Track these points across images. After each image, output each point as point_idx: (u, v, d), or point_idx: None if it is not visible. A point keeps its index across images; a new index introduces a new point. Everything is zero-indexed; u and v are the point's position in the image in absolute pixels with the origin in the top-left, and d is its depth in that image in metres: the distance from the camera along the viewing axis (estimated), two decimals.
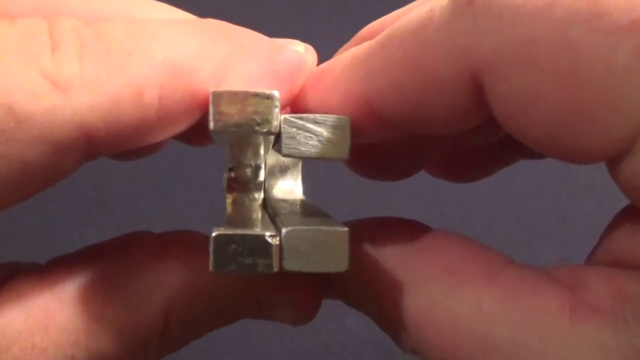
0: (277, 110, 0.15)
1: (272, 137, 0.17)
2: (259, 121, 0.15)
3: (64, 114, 0.13)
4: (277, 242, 0.14)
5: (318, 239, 0.15)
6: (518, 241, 0.48)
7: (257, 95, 0.15)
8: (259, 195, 0.19)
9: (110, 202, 0.48)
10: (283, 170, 0.21)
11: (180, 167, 0.49)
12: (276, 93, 0.15)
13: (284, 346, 0.46)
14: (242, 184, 0.19)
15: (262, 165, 0.19)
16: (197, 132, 0.18)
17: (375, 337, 0.46)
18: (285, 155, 0.16)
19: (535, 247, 0.48)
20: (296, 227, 0.15)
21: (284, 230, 0.15)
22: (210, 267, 0.14)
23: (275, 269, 0.14)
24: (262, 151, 0.18)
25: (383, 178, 0.21)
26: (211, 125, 0.15)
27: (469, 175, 0.22)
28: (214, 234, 0.14)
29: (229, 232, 0.14)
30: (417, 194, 0.47)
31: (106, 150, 0.15)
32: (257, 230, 0.15)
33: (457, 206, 0.47)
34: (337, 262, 0.15)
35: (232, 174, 0.18)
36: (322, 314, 0.53)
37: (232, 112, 0.15)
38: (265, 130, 0.15)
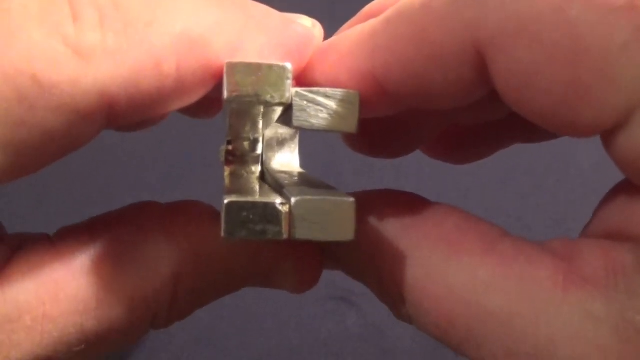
0: (289, 81, 0.15)
1: (273, 112, 0.17)
2: (272, 92, 0.15)
3: (86, 83, 0.14)
4: (287, 210, 0.15)
5: (326, 209, 0.15)
6: None
7: (270, 66, 0.15)
8: (257, 168, 0.19)
9: (114, 191, 0.48)
10: (280, 142, 0.21)
11: (179, 141, 0.49)
12: (289, 65, 0.15)
13: (284, 345, 0.46)
14: (240, 157, 0.19)
15: (260, 139, 0.19)
16: (202, 105, 0.18)
17: (375, 337, 0.46)
18: (295, 128, 0.16)
19: None
20: (305, 197, 0.15)
21: (293, 200, 0.15)
22: (222, 233, 0.15)
23: (285, 235, 0.15)
24: (260, 125, 0.19)
25: (380, 155, 0.22)
26: (225, 95, 0.15)
27: (464, 157, 0.23)
28: (226, 201, 0.15)
29: (241, 199, 0.15)
30: (417, 193, 0.47)
31: (124, 118, 0.15)
32: (268, 198, 0.15)
33: (457, 206, 0.47)
34: (344, 231, 0.15)
35: (230, 147, 0.19)
36: (322, 313, 0.53)
37: (246, 83, 0.15)
38: (277, 101, 0.15)
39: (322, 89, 0.16)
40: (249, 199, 0.15)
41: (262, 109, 0.16)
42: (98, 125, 0.14)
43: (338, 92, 0.16)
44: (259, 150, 0.19)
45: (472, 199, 0.48)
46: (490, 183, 0.49)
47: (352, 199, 0.15)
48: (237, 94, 0.15)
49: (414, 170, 0.47)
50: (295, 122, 0.16)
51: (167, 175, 0.49)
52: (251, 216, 0.15)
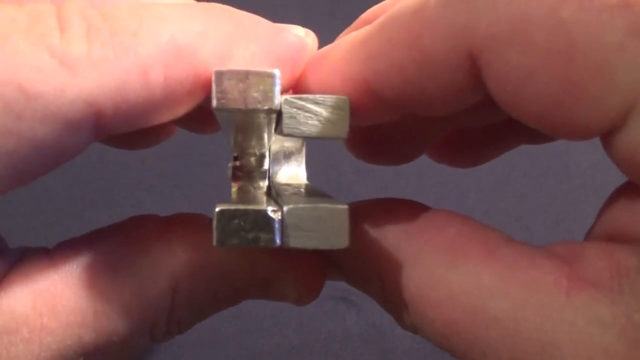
0: (278, 88, 0.15)
1: (274, 122, 0.17)
2: (260, 99, 0.15)
3: (72, 92, 0.14)
4: (280, 217, 0.15)
5: (319, 216, 0.15)
6: None
7: (258, 73, 0.15)
8: (264, 184, 0.19)
9: (114, 194, 0.48)
10: (287, 156, 0.21)
11: (185, 159, 0.49)
12: (277, 71, 0.15)
13: (284, 345, 0.46)
14: (247, 173, 0.19)
15: (267, 154, 0.19)
16: (203, 119, 0.18)
17: (375, 337, 0.46)
18: (286, 135, 0.16)
19: None
20: (297, 205, 0.15)
21: (285, 208, 0.15)
22: (214, 242, 0.15)
23: (278, 243, 0.15)
24: (265, 139, 0.19)
25: (384, 162, 0.22)
26: (214, 103, 0.15)
27: (469, 160, 0.23)
28: (217, 209, 0.15)
29: (232, 207, 0.15)
30: (417, 194, 0.47)
31: (114, 129, 0.15)
32: (260, 206, 0.15)
33: (457, 207, 0.47)
34: (338, 238, 0.15)
35: (237, 163, 0.19)
36: (322, 313, 0.53)
37: (234, 90, 0.15)
38: (266, 108, 0.15)
39: (311, 96, 0.16)
40: (240, 206, 0.15)
41: (265, 120, 0.16)
42: (86, 135, 0.14)
43: (327, 98, 0.16)
44: (266, 165, 0.19)
45: (472, 200, 0.48)
46: (491, 184, 0.49)
47: (345, 206, 0.15)
48: (225, 101, 0.15)
49: (414, 172, 0.47)
50: (285, 130, 0.16)
51: (169, 180, 0.49)
52: (242, 224, 0.15)
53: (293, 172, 0.21)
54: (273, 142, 0.20)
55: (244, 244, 0.15)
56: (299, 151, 0.21)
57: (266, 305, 0.46)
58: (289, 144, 0.21)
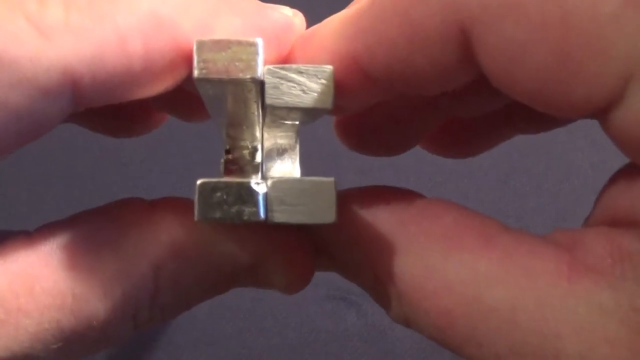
0: (261, 57, 0.15)
1: (262, 103, 0.16)
2: (242, 68, 0.15)
3: (48, 58, 0.14)
4: (264, 191, 0.14)
5: (304, 189, 0.15)
6: None
7: (240, 42, 0.15)
8: (257, 177, 0.19)
9: (114, 193, 0.48)
10: (280, 153, 0.21)
11: (184, 158, 0.49)
12: (260, 40, 0.15)
13: (284, 345, 0.46)
14: (240, 167, 0.18)
15: (259, 147, 0.18)
16: (191, 105, 0.18)
17: (375, 337, 0.46)
18: (269, 106, 0.15)
19: None
20: (282, 178, 0.15)
21: (269, 181, 0.14)
22: (195, 216, 0.14)
23: (262, 216, 0.14)
24: (258, 132, 0.18)
25: (377, 152, 0.21)
26: (195, 73, 0.15)
27: (464, 150, 0.22)
28: (198, 182, 0.14)
29: (214, 180, 0.14)
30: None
31: (93, 100, 0.15)
32: (243, 179, 0.15)
33: None
34: (325, 213, 0.15)
35: (229, 156, 0.18)
36: (322, 313, 0.52)
37: (216, 60, 0.15)
38: (249, 77, 0.15)
39: (294, 65, 0.15)
40: (223, 179, 0.14)
41: (250, 95, 0.16)
42: (64, 104, 0.14)
43: (311, 67, 0.15)
44: (259, 159, 0.18)
45: (472, 199, 0.48)
46: (490, 183, 0.49)
47: (331, 179, 0.15)
48: (206, 71, 0.15)
49: (413, 172, 0.47)
50: (268, 100, 0.15)
51: (167, 179, 0.49)
52: (225, 197, 0.14)
53: (287, 169, 0.21)
54: (266, 139, 0.20)
55: (227, 218, 0.14)
56: (292, 148, 0.21)
57: (266, 304, 0.46)
58: (282, 141, 0.21)
